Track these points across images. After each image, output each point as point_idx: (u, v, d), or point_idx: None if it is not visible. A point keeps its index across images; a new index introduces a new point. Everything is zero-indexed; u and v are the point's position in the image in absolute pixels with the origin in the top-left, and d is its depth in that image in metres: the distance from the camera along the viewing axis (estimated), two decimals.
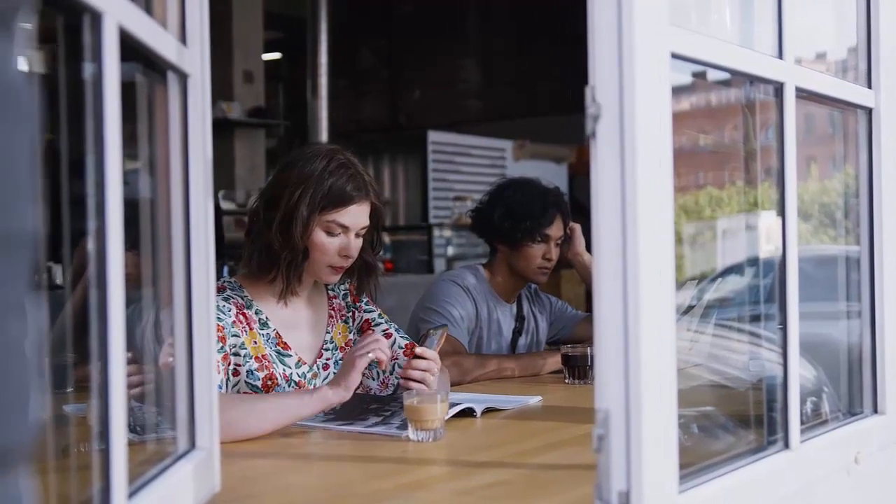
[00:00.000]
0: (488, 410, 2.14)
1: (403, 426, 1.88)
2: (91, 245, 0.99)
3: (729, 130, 2.04)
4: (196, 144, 1.35)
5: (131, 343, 1.07)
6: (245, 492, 1.51)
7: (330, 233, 2.16)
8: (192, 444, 1.35)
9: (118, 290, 1.00)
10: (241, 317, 2.16)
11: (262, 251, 2.18)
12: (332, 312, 2.36)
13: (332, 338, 2.33)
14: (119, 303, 1.00)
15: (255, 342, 2.17)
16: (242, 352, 2.12)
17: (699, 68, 1.39)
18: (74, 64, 1.03)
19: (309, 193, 2.12)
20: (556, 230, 2.97)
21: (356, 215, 2.18)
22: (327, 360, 2.31)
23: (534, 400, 2.31)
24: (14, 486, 0.55)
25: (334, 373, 2.27)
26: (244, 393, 2.13)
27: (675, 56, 1.23)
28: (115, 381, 0.99)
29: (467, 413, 2.08)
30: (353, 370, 1.96)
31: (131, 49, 1.09)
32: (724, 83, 1.69)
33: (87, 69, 1.00)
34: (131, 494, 1.07)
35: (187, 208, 1.34)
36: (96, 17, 0.98)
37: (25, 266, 0.56)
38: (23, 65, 0.57)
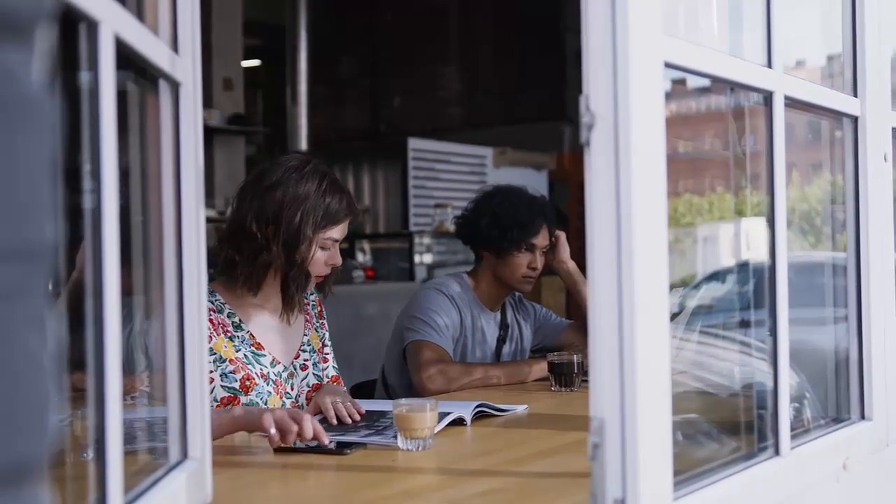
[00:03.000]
0: (479, 416, 2.15)
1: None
2: (87, 254, 0.98)
3: (709, 137, 2.05)
4: (188, 152, 1.34)
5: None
6: (236, 502, 1.50)
7: (324, 248, 2.26)
8: (185, 455, 1.34)
9: (113, 300, 1.00)
10: (208, 322, 2.17)
11: (260, 270, 2.22)
12: (308, 317, 2.43)
13: (308, 340, 2.39)
14: (114, 312, 1.00)
15: (226, 346, 2.20)
16: (212, 357, 2.14)
17: (679, 75, 1.39)
18: (68, 72, 1.02)
19: (311, 215, 2.21)
20: (542, 239, 2.98)
21: (345, 228, 2.30)
22: (305, 360, 2.37)
23: (521, 408, 2.32)
24: (34, 497, 0.55)
25: (313, 373, 2.36)
26: (221, 398, 2.15)
27: (668, 65, 1.24)
28: (110, 391, 0.99)
29: (457, 422, 2.07)
30: (261, 424, 1.83)
31: (123, 57, 1.09)
32: (703, 90, 1.70)
33: (83, 77, 0.99)
34: None
35: (179, 217, 1.34)
36: (93, 26, 0.97)
37: (44, 278, 0.56)
38: (42, 76, 0.57)
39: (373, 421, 2.10)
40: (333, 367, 2.48)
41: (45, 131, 0.55)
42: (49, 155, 0.56)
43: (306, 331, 2.40)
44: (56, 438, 0.58)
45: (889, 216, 1.86)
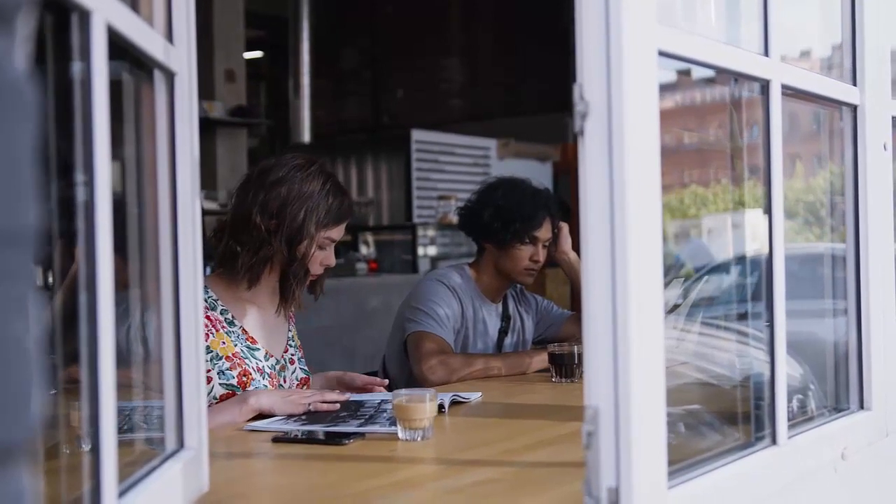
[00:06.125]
0: (454, 403, 2.20)
1: (394, 422, 1.88)
2: (80, 246, 0.99)
3: (713, 128, 2.05)
4: (183, 144, 1.34)
5: (117, 344, 1.06)
6: (233, 492, 1.50)
7: (321, 247, 2.29)
8: (181, 444, 1.34)
9: (107, 291, 1.00)
10: (205, 320, 2.19)
11: (261, 263, 2.25)
12: (291, 314, 2.46)
13: (292, 336, 2.44)
14: (108, 304, 1.00)
15: (224, 342, 2.23)
16: (209, 355, 2.16)
17: (683, 66, 1.39)
18: (61, 62, 1.02)
19: (315, 213, 2.24)
20: (544, 232, 2.97)
21: (342, 230, 2.34)
22: (292, 355, 2.42)
23: (474, 396, 2.34)
24: (17, 482, 0.55)
25: (300, 368, 2.41)
26: (220, 395, 2.16)
27: (662, 54, 1.23)
28: (104, 381, 0.99)
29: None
30: (292, 406, 2.09)
31: (117, 47, 1.09)
32: (708, 81, 1.70)
33: (75, 68, 0.99)
34: (121, 494, 1.06)
35: (174, 208, 1.34)
36: (84, 16, 0.97)
37: (28, 263, 0.56)
38: (23, 62, 0.57)
39: (354, 411, 2.10)
40: (303, 368, 2.50)
41: (27, 118, 0.56)
42: (31, 141, 0.56)
43: (290, 326, 2.44)
44: (40, 422, 0.58)
45: (889, 206, 1.86)
